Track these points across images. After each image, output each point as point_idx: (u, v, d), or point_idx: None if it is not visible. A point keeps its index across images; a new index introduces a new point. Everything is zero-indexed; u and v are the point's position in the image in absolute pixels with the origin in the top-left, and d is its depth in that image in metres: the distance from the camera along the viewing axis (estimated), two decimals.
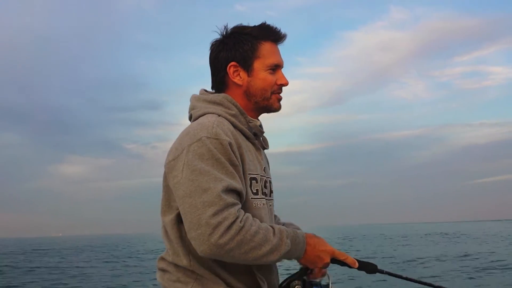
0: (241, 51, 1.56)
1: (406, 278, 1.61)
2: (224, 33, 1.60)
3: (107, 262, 26.22)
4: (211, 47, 1.61)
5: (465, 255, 21.96)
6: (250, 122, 1.56)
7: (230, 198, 1.33)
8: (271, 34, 1.58)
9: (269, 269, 1.53)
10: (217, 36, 1.61)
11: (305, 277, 1.51)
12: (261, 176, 1.55)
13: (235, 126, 1.52)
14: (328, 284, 1.54)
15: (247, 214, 1.36)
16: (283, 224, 1.76)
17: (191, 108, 1.60)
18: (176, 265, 1.48)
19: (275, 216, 1.79)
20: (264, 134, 1.67)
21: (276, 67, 1.58)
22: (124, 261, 26.02)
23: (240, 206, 1.36)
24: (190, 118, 1.61)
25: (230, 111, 1.53)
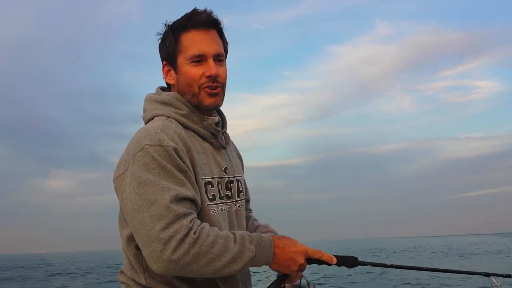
0: (165, 48, 1.45)
1: (391, 266, 1.48)
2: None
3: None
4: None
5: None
6: (204, 121, 1.44)
7: (181, 208, 1.23)
8: (189, 21, 1.41)
9: (234, 281, 1.42)
10: None
11: (283, 286, 1.41)
12: (220, 178, 1.44)
13: (187, 127, 1.42)
14: (307, 284, 1.44)
15: (203, 224, 1.26)
16: (258, 226, 1.67)
17: (143, 111, 1.50)
18: (134, 281, 1.40)
19: (249, 217, 1.71)
20: (227, 132, 1.57)
21: (200, 58, 1.41)
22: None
23: (194, 215, 1.26)
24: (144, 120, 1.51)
25: (180, 111, 1.42)
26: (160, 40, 1.48)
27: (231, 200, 1.49)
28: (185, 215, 1.22)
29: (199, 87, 1.41)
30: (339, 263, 1.39)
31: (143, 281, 1.36)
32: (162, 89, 1.52)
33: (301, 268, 1.33)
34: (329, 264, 1.37)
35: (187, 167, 1.31)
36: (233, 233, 1.30)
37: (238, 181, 1.55)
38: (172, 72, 1.46)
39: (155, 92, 1.51)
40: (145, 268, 1.36)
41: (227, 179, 1.48)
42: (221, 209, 1.41)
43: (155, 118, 1.41)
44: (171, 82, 1.47)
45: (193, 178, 1.33)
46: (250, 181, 1.66)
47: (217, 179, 1.43)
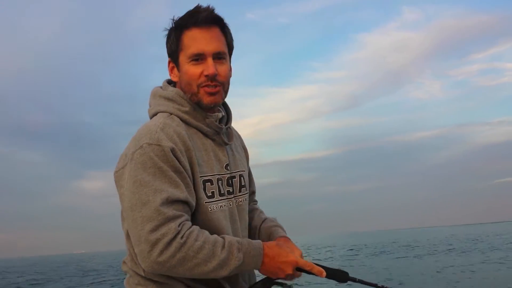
0: (169, 46, 1.46)
1: (382, 287, 1.42)
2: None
3: None
4: None
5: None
6: (206, 118, 1.44)
7: (171, 211, 1.24)
8: (190, 18, 1.40)
9: (235, 275, 1.42)
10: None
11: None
12: (221, 175, 1.45)
13: (189, 124, 1.42)
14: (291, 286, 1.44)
15: (193, 228, 1.27)
16: (265, 219, 1.66)
17: (148, 105, 1.51)
18: (134, 271, 1.42)
19: (254, 210, 1.70)
20: (232, 127, 1.57)
21: (198, 56, 1.40)
22: None
23: (184, 217, 1.27)
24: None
25: (182, 108, 1.43)
26: (166, 36, 1.47)
27: (232, 196, 1.49)
28: (174, 218, 1.24)
29: (198, 86, 1.41)
30: (328, 276, 1.40)
31: (141, 272, 1.38)
32: (169, 82, 1.52)
33: (288, 277, 1.35)
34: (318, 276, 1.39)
35: (184, 167, 1.32)
36: (223, 238, 1.31)
37: (240, 176, 1.54)
38: (175, 70, 1.47)
39: (161, 85, 1.52)
40: None
41: (229, 175, 1.48)
42: (221, 206, 1.43)
43: (158, 114, 1.42)
44: (175, 79, 1.48)
45: (189, 179, 1.34)
46: (280, 175, 1.55)
47: (217, 176, 1.44)
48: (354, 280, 1.41)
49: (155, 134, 1.31)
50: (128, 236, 1.37)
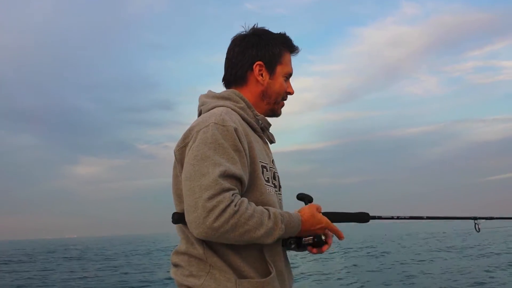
0: (270, 53, 1.64)
1: (398, 218, 1.77)
2: (251, 31, 1.67)
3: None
4: (235, 41, 1.67)
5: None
6: (257, 116, 1.62)
7: (227, 184, 1.34)
8: (292, 46, 1.70)
9: (278, 254, 1.53)
10: (230, 34, 1.66)
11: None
12: (270, 167, 1.59)
13: (243, 118, 1.56)
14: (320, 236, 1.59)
15: (243, 199, 1.37)
16: None
17: (201, 104, 1.63)
18: (189, 256, 1.47)
19: None
20: (271, 131, 1.72)
21: (289, 76, 1.70)
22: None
23: (236, 191, 1.37)
24: (199, 115, 1.62)
25: (238, 104, 1.59)
26: (256, 39, 1.65)
27: (277, 190, 1.62)
28: (229, 189, 1.34)
29: (282, 98, 1.69)
30: (352, 220, 1.67)
31: (200, 252, 1.45)
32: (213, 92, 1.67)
33: (318, 239, 1.56)
34: (338, 238, 1.63)
35: (243, 148, 1.44)
36: (267, 209, 1.42)
37: (278, 176, 1.67)
38: (265, 74, 1.65)
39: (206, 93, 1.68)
40: (206, 242, 1.44)
41: (274, 170, 1.63)
42: (274, 192, 1.57)
43: (216, 108, 1.54)
44: (261, 81, 1.65)
45: (246, 160, 1.45)
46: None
47: (269, 166, 1.58)
48: (374, 217, 1.69)
49: (220, 116, 1.45)
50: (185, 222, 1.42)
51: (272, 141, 1.71)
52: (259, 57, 1.63)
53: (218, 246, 1.43)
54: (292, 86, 1.71)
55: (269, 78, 1.64)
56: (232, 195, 1.33)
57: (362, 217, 1.67)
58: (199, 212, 1.30)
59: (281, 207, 1.62)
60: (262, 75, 1.64)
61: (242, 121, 1.53)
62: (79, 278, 18.37)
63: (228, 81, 1.68)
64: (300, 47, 1.71)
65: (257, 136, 1.60)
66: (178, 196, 1.49)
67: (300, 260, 20.11)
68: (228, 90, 1.64)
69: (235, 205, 1.32)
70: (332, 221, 1.57)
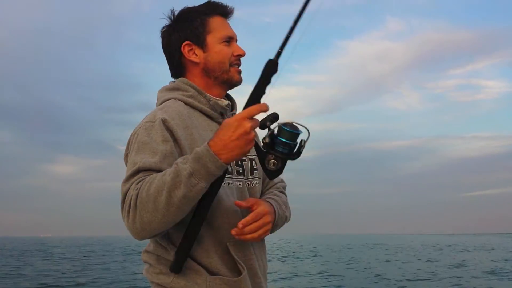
0: (192, 28, 1.53)
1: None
2: (172, 17, 1.57)
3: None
4: (161, 34, 1.58)
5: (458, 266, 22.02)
6: (210, 101, 1.52)
7: (135, 178, 1.28)
8: (218, 8, 1.56)
9: (249, 253, 1.47)
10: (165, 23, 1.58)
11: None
12: None
13: (193, 107, 1.50)
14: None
15: (146, 177, 1.26)
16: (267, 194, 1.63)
17: (156, 100, 1.58)
18: (158, 256, 1.45)
19: (267, 192, 1.63)
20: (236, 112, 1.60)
21: (230, 39, 1.55)
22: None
23: (142, 176, 1.27)
24: None
25: (186, 93, 1.52)
26: (174, 24, 1.55)
27: (242, 177, 1.53)
28: (137, 180, 1.27)
29: (230, 64, 1.53)
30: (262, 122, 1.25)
31: (170, 256, 1.40)
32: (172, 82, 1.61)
33: (249, 140, 1.22)
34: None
35: (177, 138, 1.37)
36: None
37: (251, 159, 1.58)
38: (198, 51, 1.54)
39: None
40: (172, 243, 1.41)
41: None
42: (228, 183, 1.45)
43: (163, 103, 1.50)
44: (196, 60, 1.54)
45: (178, 148, 1.37)
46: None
47: None
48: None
49: (152, 113, 1.41)
50: None
51: None
52: (183, 38, 1.53)
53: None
54: (241, 47, 1.55)
55: (204, 52, 1.53)
56: (138, 183, 1.25)
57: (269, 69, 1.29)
58: (124, 220, 1.27)
59: (252, 194, 1.53)
60: (195, 53, 1.53)
61: (187, 111, 1.46)
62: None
63: (173, 74, 1.61)
64: (232, 6, 1.57)
65: (213, 123, 1.52)
66: None
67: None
68: (177, 80, 1.57)
69: (135, 189, 1.23)
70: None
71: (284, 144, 1.24)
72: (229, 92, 1.63)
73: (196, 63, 1.54)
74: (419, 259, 28.46)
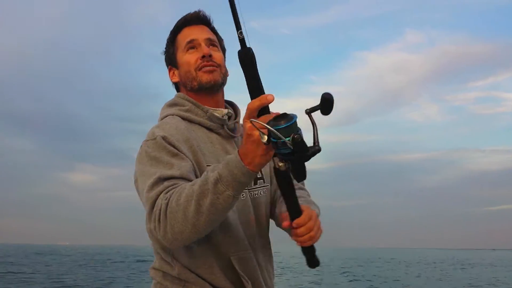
0: (166, 52, 1.58)
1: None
2: None
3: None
4: None
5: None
6: (207, 112, 1.49)
7: (161, 187, 1.24)
8: (182, 22, 1.54)
9: (253, 267, 1.45)
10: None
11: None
12: None
13: (191, 121, 1.49)
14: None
15: (177, 186, 1.24)
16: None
17: (159, 115, 1.59)
18: (163, 273, 1.45)
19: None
20: (236, 122, 1.57)
21: (192, 44, 1.50)
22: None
23: (175, 184, 1.25)
24: None
25: (183, 108, 1.51)
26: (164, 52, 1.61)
27: (249, 187, 1.49)
28: (163, 190, 1.24)
29: (196, 69, 1.48)
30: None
31: (171, 269, 1.41)
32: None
33: (254, 141, 1.11)
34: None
35: (179, 150, 1.35)
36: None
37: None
38: (176, 71, 1.56)
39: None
40: (174, 257, 1.41)
41: None
42: None
43: (162, 120, 1.51)
44: (176, 80, 1.57)
45: (188, 159, 1.36)
46: None
47: None
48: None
49: (151, 131, 1.41)
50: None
51: (232, 136, 1.53)
52: (167, 64, 1.59)
53: (190, 261, 1.40)
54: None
55: (177, 70, 1.56)
56: (167, 192, 1.23)
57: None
58: (152, 231, 1.24)
59: (255, 205, 1.49)
60: (175, 74, 1.57)
61: (185, 125, 1.45)
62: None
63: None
64: (198, 10, 1.54)
65: (213, 135, 1.50)
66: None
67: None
68: (175, 95, 1.57)
69: (165, 199, 1.21)
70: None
71: (280, 144, 1.07)
72: (232, 100, 1.61)
73: (178, 83, 1.58)
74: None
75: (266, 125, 1.05)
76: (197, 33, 1.51)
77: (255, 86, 1.17)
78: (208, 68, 1.47)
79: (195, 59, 1.48)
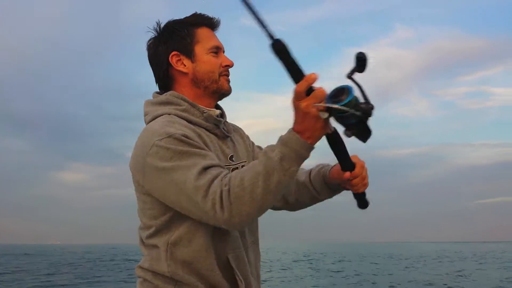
0: (179, 39, 1.52)
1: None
2: (158, 29, 1.56)
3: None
4: (147, 46, 1.57)
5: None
6: (204, 113, 1.50)
7: (208, 175, 1.26)
8: (205, 20, 1.56)
9: (244, 265, 1.47)
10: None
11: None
12: (226, 166, 1.44)
13: (189, 121, 1.47)
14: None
15: (229, 174, 1.27)
16: (311, 169, 1.69)
17: (144, 114, 1.54)
18: (154, 272, 1.43)
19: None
20: (228, 122, 1.62)
21: (218, 50, 1.55)
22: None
23: (223, 173, 1.28)
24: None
25: (180, 107, 1.48)
26: (161, 35, 1.55)
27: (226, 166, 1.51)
28: (214, 178, 1.25)
29: (219, 74, 1.53)
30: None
31: (164, 269, 1.40)
32: (158, 93, 1.57)
33: (312, 116, 1.21)
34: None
35: (201, 145, 1.37)
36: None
37: (243, 166, 1.57)
38: (186, 61, 1.52)
39: (152, 98, 1.57)
40: (168, 256, 1.41)
41: (233, 166, 1.53)
42: None
43: (157, 119, 1.45)
44: (185, 70, 1.52)
45: (212, 153, 1.38)
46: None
47: (224, 165, 1.44)
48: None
49: (161, 129, 1.35)
50: (141, 240, 1.48)
51: (227, 135, 1.58)
52: (171, 49, 1.52)
53: (182, 260, 1.39)
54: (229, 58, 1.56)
55: (192, 63, 1.52)
56: (222, 179, 1.25)
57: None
58: (208, 216, 1.24)
59: None
60: (183, 63, 1.52)
61: (189, 125, 1.44)
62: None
63: (160, 86, 1.59)
64: (218, 18, 1.56)
65: (211, 135, 1.51)
66: (141, 214, 1.47)
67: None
68: (167, 93, 1.52)
69: (225, 185, 1.22)
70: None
71: (341, 118, 1.20)
72: (219, 102, 1.62)
73: (185, 74, 1.53)
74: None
75: (335, 105, 1.18)
76: (218, 41, 1.57)
77: (297, 70, 1.25)
78: (228, 78, 1.56)
79: (219, 63, 1.53)
